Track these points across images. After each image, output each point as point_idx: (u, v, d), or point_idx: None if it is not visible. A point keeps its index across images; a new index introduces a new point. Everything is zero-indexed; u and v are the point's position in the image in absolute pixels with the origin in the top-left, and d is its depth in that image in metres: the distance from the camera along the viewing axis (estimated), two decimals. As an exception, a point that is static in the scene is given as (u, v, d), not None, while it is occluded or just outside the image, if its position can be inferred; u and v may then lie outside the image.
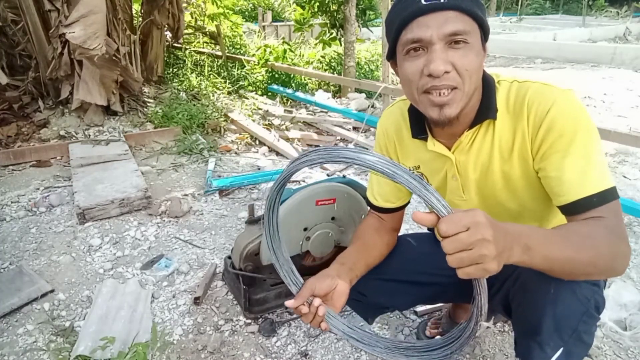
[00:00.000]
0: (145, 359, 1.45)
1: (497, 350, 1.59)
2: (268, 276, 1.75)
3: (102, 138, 3.76)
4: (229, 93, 5.65)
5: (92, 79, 3.91)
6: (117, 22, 4.13)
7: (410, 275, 1.23)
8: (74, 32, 3.53)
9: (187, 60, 6.34)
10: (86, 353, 1.51)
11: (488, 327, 1.68)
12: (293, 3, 9.71)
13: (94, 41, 3.62)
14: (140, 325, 1.69)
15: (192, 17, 6.98)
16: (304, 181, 3.10)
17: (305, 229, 1.66)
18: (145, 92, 4.92)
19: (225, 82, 5.90)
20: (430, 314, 1.78)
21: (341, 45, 5.93)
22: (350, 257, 1.12)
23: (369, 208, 1.29)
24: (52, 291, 1.92)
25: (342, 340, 1.63)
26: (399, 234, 1.31)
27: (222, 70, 6.27)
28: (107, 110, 4.22)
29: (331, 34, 6.13)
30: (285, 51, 6.19)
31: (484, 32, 0.91)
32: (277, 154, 3.76)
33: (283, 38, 7.68)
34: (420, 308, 1.79)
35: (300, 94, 5.42)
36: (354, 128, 4.33)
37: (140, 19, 5.34)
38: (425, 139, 1.08)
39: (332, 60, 6.72)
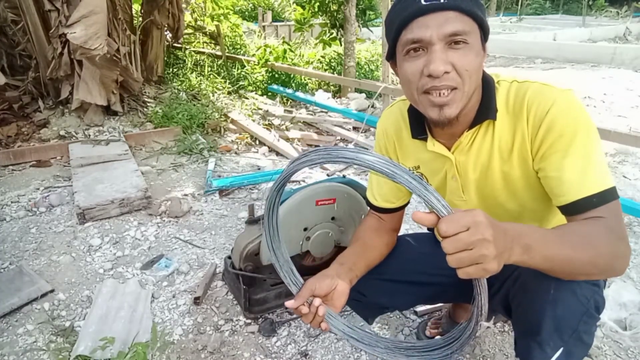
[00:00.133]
0: (145, 359, 1.45)
1: (497, 350, 1.60)
2: (268, 276, 1.75)
3: (102, 138, 3.76)
4: (229, 93, 5.66)
5: (92, 79, 3.91)
6: (117, 22, 4.13)
7: (410, 275, 1.23)
8: (75, 33, 3.54)
9: (187, 60, 6.34)
10: (86, 353, 1.51)
11: (488, 327, 1.68)
12: (293, 3, 9.71)
13: (95, 41, 3.62)
14: (140, 325, 1.69)
15: (191, 17, 6.98)
16: (304, 181, 3.10)
17: (305, 229, 1.66)
18: (145, 92, 4.92)
19: (225, 82, 5.90)
20: (430, 314, 1.78)
21: (341, 45, 5.94)
22: (350, 257, 1.12)
23: (368, 208, 1.29)
24: (52, 291, 1.92)
25: (342, 340, 1.63)
26: (399, 234, 1.31)
27: (222, 70, 6.27)
28: (107, 110, 4.22)
29: (331, 34, 6.13)
30: (285, 51, 6.19)
31: (484, 32, 0.91)
32: (277, 154, 3.76)
33: (283, 38, 7.68)
34: (420, 308, 1.79)
35: (300, 94, 5.42)
36: (354, 128, 4.33)
37: (140, 19, 5.34)
38: (425, 139, 1.08)
39: (332, 60, 6.73)
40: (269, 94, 5.79)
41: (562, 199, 0.90)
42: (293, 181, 3.08)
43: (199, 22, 7.13)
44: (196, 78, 5.84)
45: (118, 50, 4.04)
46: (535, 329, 0.93)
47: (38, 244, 2.31)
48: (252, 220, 1.78)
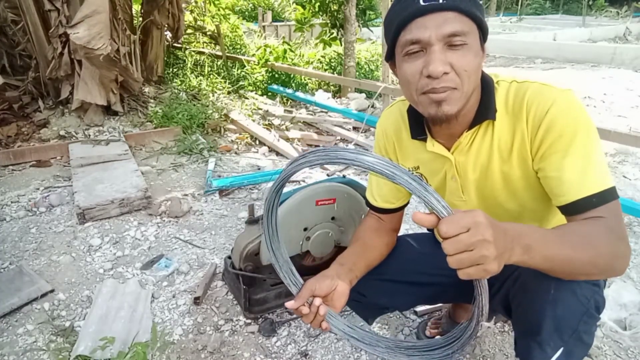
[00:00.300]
0: (145, 359, 1.45)
1: (497, 350, 1.60)
2: (268, 276, 1.75)
3: (102, 138, 3.76)
4: (229, 93, 5.66)
5: (92, 79, 3.91)
6: (117, 22, 4.13)
7: (410, 275, 1.23)
8: (78, 33, 3.54)
9: (187, 60, 6.34)
10: (86, 353, 1.51)
11: (488, 327, 1.68)
12: (293, 3, 9.71)
13: (98, 41, 3.63)
14: (140, 325, 1.69)
15: (191, 17, 6.98)
16: (304, 181, 3.10)
17: (305, 229, 1.66)
18: (145, 92, 4.92)
19: (225, 82, 5.90)
20: (430, 314, 1.78)
21: (341, 45, 5.94)
22: (350, 257, 1.12)
23: (368, 208, 1.29)
24: (52, 291, 1.92)
25: (342, 340, 1.63)
26: (399, 234, 1.31)
27: (222, 70, 6.27)
28: (107, 110, 4.22)
29: (332, 33, 6.13)
30: (285, 51, 6.19)
31: (483, 33, 0.91)
32: (277, 154, 3.76)
33: (283, 38, 7.68)
34: (420, 308, 1.79)
35: (300, 94, 5.42)
36: (354, 128, 4.33)
37: (140, 19, 5.34)
38: (425, 140, 1.08)
39: (332, 60, 6.73)
40: (269, 94, 5.79)
41: (562, 199, 0.90)
42: (293, 181, 3.08)
43: (199, 22, 7.13)
44: (196, 78, 5.84)
45: (118, 50, 4.04)
46: (535, 329, 0.93)
47: (38, 244, 2.31)
48: (252, 220, 1.78)
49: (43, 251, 2.25)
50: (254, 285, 1.75)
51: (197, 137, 3.86)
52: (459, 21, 0.86)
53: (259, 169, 3.43)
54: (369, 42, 8.09)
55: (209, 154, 3.62)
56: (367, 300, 1.24)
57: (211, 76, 6.02)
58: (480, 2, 0.92)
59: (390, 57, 0.98)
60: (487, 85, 0.98)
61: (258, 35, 8.08)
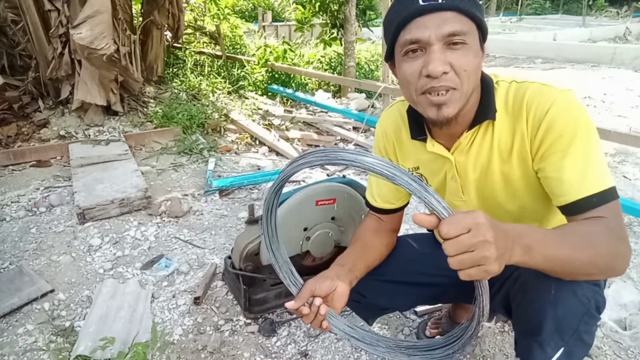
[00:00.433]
0: (145, 359, 1.45)
1: (497, 350, 1.60)
2: (268, 276, 1.75)
3: (102, 138, 3.76)
4: (229, 93, 5.65)
5: (92, 79, 3.91)
6: (117, 22, 4.13)
7: (410, 276, 1.23)
8: (81, 33, 3.54)
9: (187, 60, 6.34)
10: (86, 353, 1.51)
11: (489, 327, 1.68)
12: (293, 3, 9.71)
13: (101, 41, 3.63)
14: (140, 325, 1.69)
15: (192, 17, 6.97)
16: (304, 181, 3.10)
17: (305, 229, 1.66)
18: (145, 92, 4.92)
19: (225, 82, 5.90)
20: (430, 314, 1.78)
21: (341, 45, 5.94)
22: (350, 258, 1.12)
23: (368, 209, 1.29)
24: (52, 291, 1.92)
25: (342, 340, 1.63)
26: (399, 234, 1.31)
27: (222, 70, 6.27)
28: (107, 110, 4.22)
29: (332, 33, 6.13)
30: (285, 51, 6.19)
31: (482, 33, 0.91)
32: (277, 154, 3.76)
33: (283, 38, 7.68)
34: (420, 308, 1.79)
35: (300, 94, 5.42)
36: (354, 128, 4.32)
37: (140, 19, 5.34)
38: (425, 140, 1.07)
39: (332, 60, 6.72)
40: (269, 94, 5.79)
41: (562, 199, 0.90)
42: (293, 181, 3.08)
43: (199, 22, 7.13)
44: (196, 78, 5.83)
45: (118, 50, 4.04)
46: (536, 329, 0.93)
47: (38, 244, 2.31)
48: (252, 220, 1.78)
49: (43, 251, 2.25)
50: (254, 285, 1.75)
51: (197, 137, 3.86)
52: (459, 21, 0.85)
53: (259, 169, 3.43)
54: (369, 42, 8.09)
55: (209, 154, 3.62)
56: (367, 300, 1.24)
57: (211, 76, 6.02)
58: (480, 2, 0.92)
59: (389, 57, 0.98)
60: (486, 86, 0.98)
61: (258, 36, 8.08)
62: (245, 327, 1.72)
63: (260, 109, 4.91)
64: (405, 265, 1.24)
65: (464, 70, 0.87)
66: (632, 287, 1.86)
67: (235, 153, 3.79)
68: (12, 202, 2.77)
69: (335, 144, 4.05)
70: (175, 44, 6.45)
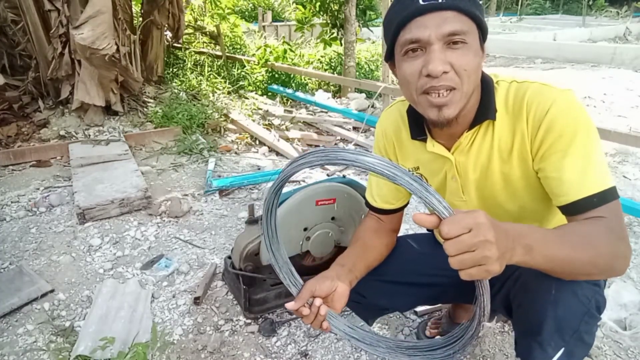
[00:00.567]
0: (145, 359, 1.45)
1: (497, 350, 1.59)
2: (268, 276, 1.75)
3: (102, 138, 3.76)
4: (229, 93, 5.65)
5: (91, 79, 3.91)
6: (117, 22, 4.12)
7: (410, 276, 1.23)
8: (82, 34, 3.54)
9: (187, 60, 6.34)
10: (86, 353, 1.51)
11: (490, 327, 1.68)
12: (293, 3, 9.71)
13: (102, 41, 3.63)
14: (140, 325, 1.69)
15: (191, 17, 6.97)
16: (304, 181, 3.10)
17: (305, 229, 1.66)
18: (145, 92, 4.91)
19: (225, 82, 5.90)
20: (430, 314, 1.78)
21: (341, 45, 5.94)
22: (350, 258, 1.11)
23: (367, 209, 1.29)
24: (52, 291, 1.92)
25: (342, 340, 1.63)
26: (399, 234, 1.31)
27: (222, 70, 6.27)
28: (108, 110, 4.22)
29: (332, 33, 6.13)
30: (285, 51, 6.19)
31: (483, 32, 0.91)
32: (277, 154, 3.75)
33: (283, 38, 7.68)
34: (420, 308, 1.79)
35: (300, 94, 5.42)
36: (354, 128, 4.32)
37: (140, 19, 5.34)
38: (425, 140, 1.07)
39: (332, 60, 6.72)
40: (269, 94, 5.79)
41: (562, 199, 0.90)
42: (293, 181, 3.08)
43: (199, 22, 7.13)
44: (196, 78, 5.83)
45: (118, 50, 4.04)
46: (536, 329, 0.93)
47: (38, 244, 2.31)
48: (252, 220, 1.78)
49: (43, 251, 2.25)
50: (254, 285, 1.75)
51: (197, 137, 3.86)
52: (459, 20, 0.85)
53: (259, 169, 3.43)
54: (369, 42, 8.09)
55: (209, 154, 3.61)
56: (367, 301, 1.24)
57: (211, 76, 6.02)
58: (480, 2, 0.92)
59: (389, 57, 0.98)
60: (487, 85, 0.98)
61: (259, 36, 8.08)
62: (245, 327, 1.72)
63: (260, 109, 4.91)
64: (405, 265, 1.24)
65: (464, 70, 0.87)
66: (632, 287, 1.86)
67: (235, 153, 3.79)
68: (12, 202, 2.77)
69: (335, 144, 4.05)
70: (175, 44, 6.45)
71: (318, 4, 5.89)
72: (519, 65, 9.04)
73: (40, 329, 1.71)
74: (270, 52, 6.08)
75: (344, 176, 1.88)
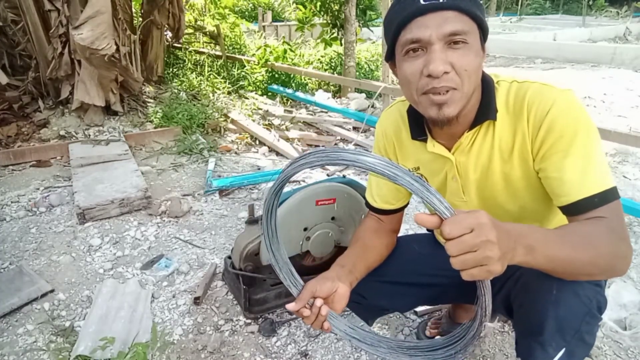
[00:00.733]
0: (145, 359, 1.45)
1: (497, 350, 1.59)
2: (268, 276, 1.75)
3: (102, 138, 3.76)
4: (229, 93, 5.65)
5: (91, 79, 3.91)
6: (117, 22, 4.12)
7: (410, 276, 1.23)
8: (82, 34, 3.54)
9: (187, 60, 6.34)
10: (86, 353, 1.51)
11: (492, 327, 1.68)
12: (293, 3, 9.71)
13: (102, 41, 3.64)
14: (140, 325, 1.69)
15: (192, 17, 6.97)
16: (304, 181, 3.10)
17: (305, 229, 1.66)
18: (145, 92, 4.91)
19: (225, 82, 5.90)
20: (430, 314, 1.78)
21: (341, 45, 5.94)
22: (350, 259, 1.11)
23: (367, 209, 1.28)
24: (52, 291, 1.92)
25: (342, 340, 1.63)
26: (399, 234, 1.31)
27: (222, 70, 6.27)
28: (108, 110, 4.22)
29: (332, 33, 6.13)
30: (285, 51, 6.19)
31: (483, 32, 0.91)
32: (277, 154, 3.75)
33: (283, 38, 7.68)
34: (420, 308, 1.79)
35: (300, 94, 5.42)
36: (354, 128, 4.32)
37: (140, 19, 5.34)
38: (425, 140, 1.07)
39: (332, 60, 6.72)
40: (269, 94, 5.79)
41: (563, 199, 0.90)
42: (293, 181, 3.08)
43: (199, 22, 7.13)
44: (196, 78, 5.83)
45: (118, 50, 4.04)
46: (537, 330, 0.93)
47: (38, 244, 2.31)
48: (252, 220, 1.78)
49: (43, 251, 2.25)
50: (254, 285, 1.75)
51: (197, 137, 3.86)
52: (460, 20, 0.85)
53: (259, 169, 3.43)
54: (369, 42, 8.08)
55: (209, 154, 3.61)
56: (367, 301, 1.24)
57: (211, 76, 6.02)
58: (480, 2, 0.92)
59: (390, 57, 0.98)
60: (487, 86, 0.98)
61: (259, 36, 8.08)
62: (245, 327, 1.72)
63: (260, 109, 4.91)
64: (405, 265, 1.24)
65: (465, 70, 0.87)
66: (632, 287, 1.86)
67: (235, 153, 3.79)
68: (12, 202, 2.77)
69: (335, 144, 4.05)
70: (175, 44, 6.45)
71: (318, 4, 5.89)
72: (519, 65, 9.04)
73: (40, 329, 1.71)
74: (270, 52, 6.08)
75: (344, 176, 1.88)
